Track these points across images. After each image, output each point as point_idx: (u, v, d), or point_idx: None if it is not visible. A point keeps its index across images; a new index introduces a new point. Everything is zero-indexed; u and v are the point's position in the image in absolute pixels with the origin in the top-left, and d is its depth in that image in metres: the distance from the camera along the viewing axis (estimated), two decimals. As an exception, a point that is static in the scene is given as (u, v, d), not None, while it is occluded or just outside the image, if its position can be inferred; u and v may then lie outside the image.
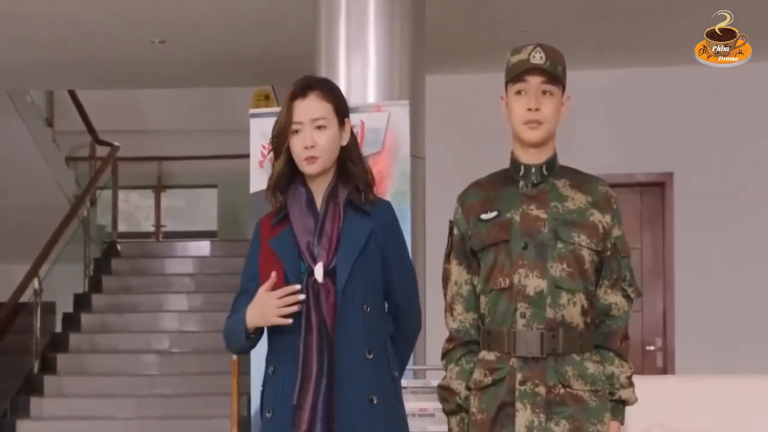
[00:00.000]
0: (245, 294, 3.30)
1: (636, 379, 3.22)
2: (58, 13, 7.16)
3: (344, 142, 3.35)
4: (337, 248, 3.25)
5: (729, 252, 8.16)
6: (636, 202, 8.42)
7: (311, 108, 3.29)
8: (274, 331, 3.27)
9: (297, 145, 3.28)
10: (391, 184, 5.15)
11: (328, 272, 3.24)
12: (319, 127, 3.27)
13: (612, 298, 3.25)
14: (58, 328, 10.22)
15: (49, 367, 9.68)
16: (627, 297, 3.27)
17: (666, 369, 8.21)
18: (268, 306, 3.18)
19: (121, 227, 12.46)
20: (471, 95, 8.07)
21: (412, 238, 5.10)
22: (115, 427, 8.95)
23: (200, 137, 11.78)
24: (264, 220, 3.38)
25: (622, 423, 3.25)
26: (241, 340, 3.25)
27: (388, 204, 3.39)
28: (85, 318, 10.28)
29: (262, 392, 3.32)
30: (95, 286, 10.73)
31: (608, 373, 3.22)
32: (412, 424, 4.94)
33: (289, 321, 3.17)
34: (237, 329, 3.26)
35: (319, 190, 3.32)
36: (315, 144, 3.26)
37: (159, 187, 12.14)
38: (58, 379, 9.53)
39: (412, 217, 5.19)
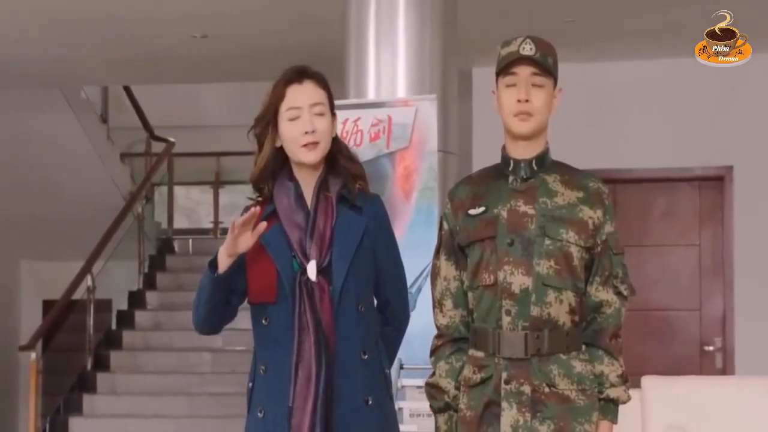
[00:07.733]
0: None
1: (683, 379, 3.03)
2: (106, 11, 7.17)
3: (334, 134, 3.26)
4: (330, 245, 3.15)
5: (791, 249, 7.87)
6: (694, 198, 8.18)
7: (310, 93, 3.19)
8: (264, 330, 3.19)
9: (294, 131, 3.16)
10: (419, 180, 5.05)
11: (321, 270, 3.15)
12: (317, 114, 3.18)
13: (603, 295, 3.15)
14: (114, 326, 10.23)
15: (102, 364, 9.71)
16: (619, 294, 3.18)
17: (725, 370, 7.98)
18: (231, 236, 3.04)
19: (182, 224, 12.47)
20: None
21: (440, 236, 4.94)
22: (166, 426, 8.92)
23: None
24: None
25: (614, 422, 3.15)
26: (209, 284, 3.14)
27: (378, 198, 3.31)
28: (138, 315, 10.30)
29: (251, 390, 3.22)
30: (150, 283, 10.74)
31: (597, 372, 3.13)
32: (419, 424, 4.85)
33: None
34: (203, 282, 3.16)
35: (308, 183, 3.22)
36: (316, 129, 3.16)
37: (217, 183, 12.09)
38: (111, 376, 9.56)
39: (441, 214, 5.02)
